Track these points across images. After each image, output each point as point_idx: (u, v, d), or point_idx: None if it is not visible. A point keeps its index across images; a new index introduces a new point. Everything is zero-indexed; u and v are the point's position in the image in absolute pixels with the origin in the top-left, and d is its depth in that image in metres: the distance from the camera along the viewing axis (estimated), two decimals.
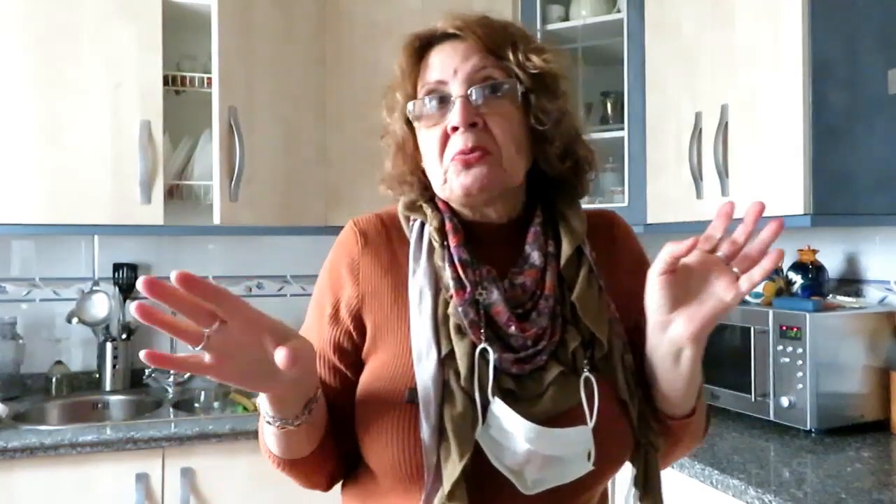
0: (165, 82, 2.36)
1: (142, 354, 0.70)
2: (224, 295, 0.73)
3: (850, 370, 1.89)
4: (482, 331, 0.87)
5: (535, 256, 0.93)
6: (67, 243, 2.62)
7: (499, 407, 0.84)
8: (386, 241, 0.99)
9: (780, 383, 1.90)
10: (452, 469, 0.82)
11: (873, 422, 1.90)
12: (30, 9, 2.21)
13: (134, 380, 2.59)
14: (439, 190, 0.94)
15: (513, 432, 0.83)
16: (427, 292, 0.91)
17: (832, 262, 2.20)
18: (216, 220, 2.22)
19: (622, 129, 2.49)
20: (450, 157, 0.90)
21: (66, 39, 2.24)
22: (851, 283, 2.18)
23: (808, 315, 1.84)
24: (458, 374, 0.86)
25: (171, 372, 2.56)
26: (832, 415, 1.86)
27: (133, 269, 2.65)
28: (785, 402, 1.88)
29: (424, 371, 0.87)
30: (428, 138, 0.93)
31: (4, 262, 2.57)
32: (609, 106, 2.70)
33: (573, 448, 0.85)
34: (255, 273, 2.82)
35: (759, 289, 2.12)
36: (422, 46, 0.95)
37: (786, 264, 2.21)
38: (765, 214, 0.86)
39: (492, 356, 0.86)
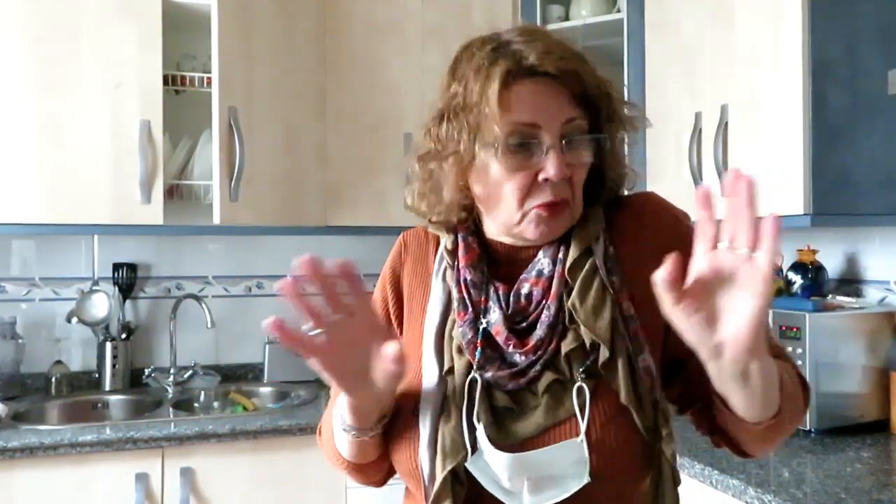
0: (165, 82, 2.36)
1: (267, 323, 0.74)
2: (361, 291, 0.80)
3: (850, 370, 1.89)
4: (477, 354, 0.89)
5: (545, 264, 0.92)
6: (67, 243, 2.62)
7: (480, 434, 0.86)
8: (424, 253, 1.02)
9: None
10: (438, 478, 0.85)
11: (873, 422, 1.90)
12: (30, 9, 2.21)
13: (133, 380, 2.59)
14: (502, 227, 0.93)
15: (494, 460, 0.85)
16: (437, 311, 0.94)
17: (832, 262, 2.20)
18: (216, 220, 2.21)
19: None
20: (533, 205, 0.88)
21: (66, 39, 2.24)
22: (851, 283, 2.18)
23: (807, 315, 1.84)
24: (455, 389, 0.89)
25: (171, 371, 2.56)
26: (832, 415, 1.86)
27: (133, 268, 2.65)
28: None
29: (427, 385, 0.91)
30: (508, 180, 0.88)
31: (4, 262, 2.57)
32: None
33: (562, 465, 0.84)
34: (255, 273, 2.82)
35: None
36: (516, 76, 0.88)
37: (785, 264, 2.21)
38: (764, 214, 0.77)
39: (479, 384, 0.88)
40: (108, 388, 2.54)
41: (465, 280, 0.93)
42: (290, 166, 2.42)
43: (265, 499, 2.12)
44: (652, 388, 0.87)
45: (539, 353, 0.88)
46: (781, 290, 2.14)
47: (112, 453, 2.01)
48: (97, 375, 2.57)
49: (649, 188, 2.39)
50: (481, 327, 0.91)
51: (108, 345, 2.54)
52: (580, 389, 0.85)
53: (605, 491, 0.85)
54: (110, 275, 2.63)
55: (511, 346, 0.89)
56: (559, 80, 0.89)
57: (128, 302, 2.65)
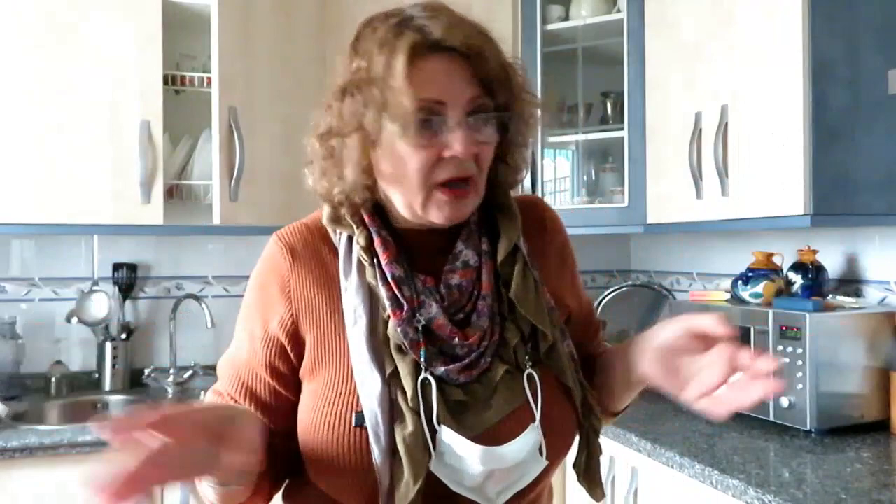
0: (165, 82, 2.35)
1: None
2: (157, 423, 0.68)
3: (850, 370, 1.89)
4: (422, 354, 0.87)
5: (470, 255, 0.92)
6: (67, 243, 2.62)
7: (447, 435, 0.84)
8: (315, 253, 0.94)
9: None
10: (406, 491, 0.82)
11: (873, 422, 1.90)
12: (30, 8, 2.21)
13: (133, 380, 2.59)
14: (407, 208, 0.89)
15: (466, 457, 0.84)
16: (362, 312, 0.89)
17: (832, 262, 2.20)
18: (216, 219, 2.22)
19: (622, 129, 2.49)
20: (437, 182, 0.86)
21: (66, 39, 2.24)
22: (851, 283, 2.18)
23: (807, 315, 1.84)
24: (405, 393, 0.85)
25: (171, 371, 2.56)
26: (832, 415, 1.86)
27: (133, 268, 2.65)
28: (785, 402, 1.87)
29: (370, 393, 0.85)
30: (413, 157, 0.85)
31: (4, 262, 2.57)
32: (609, 106, 2.70)
33: (526, 452, 0.87)
34: None
35: (759, 289, 2.12)
36: (421, 51, 0.85)
37: (786, 264, 2.21)
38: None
39: (433, 384, 0.86)
40: (108, 388, 2.54)
41: (393, 276, 0.89)
42: (290, 166, 2.39)
43: None
44: (576, 369, 0.95)
45: (483, 343, 0.89)
46: (781, 290, 2.14)
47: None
48: (97, 375, 2.57)
49: (649, 188, 2.40)
50: (420, 325, 0.88)
51: (108, 345, 2.54)
52: (530, 376, 0.90)
53: (549, 470, 0.91)
54: (110, 275, 2.63)
55: (457, 339, 0.88)
56: (464, 57, 0.86)
57: (128, 302, 2.65)
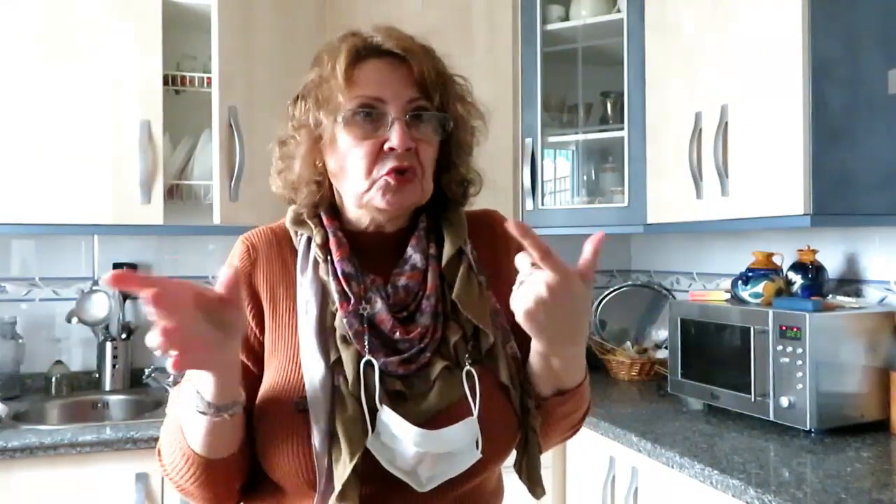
0: (165, 82, 2.35)
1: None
2: (147, 282, 0.74)
3: (850, 370, 1.89)
4: (366, 341, 0.92)
5: (417, 259, 0.99)
6: (67, 243, 2.62)
7: (387, 414, 0.89)
8: (277, 252, 1.03)
9: (780, 383, 1.90)
10: (343, 470, 0.86)
11: (873, 422, 1.90)
12: (29, 9, 2.21)
13: (134, 379, 2.59)
14: (354, 198, 0.97)
15: (402, 437, 0.87)
16: (312, 303, 0.96)
17: (832, 262, 2.20)
18: (216, 219, 2.22)
19: (622, 129, 2.49)
20: (381, 173, 0.94)
21: (65, 39, 2.24)
22: (851, 283, 2.18)
23: (807, 315, 1.84)
24: (346, 379, 0.91)
25: (171, 371, 2.56)
26: (832, 415, 1.86)
27: (133, 268, 2.65)
28: (785, 402, 1.87)
29: (313, 378, 0.91)
30: (354, 149, 0.95)
31: (4, 262, 2.57)
32: (609, 106, 2.70)
33: (462, 442, 0.90)
34: None
35: (759, 289, 2.12)
36: (363, 54, 0.98)
37: (785, 264, 2.21)
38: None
39: (377, 366, 0.91)
40: (108, 388, 2.54)
41: (343, 272, 0.96)
42: None
43: None
44: (518, 370, 0.99)
45: (425, 340, 0.95)
46: (781, 290, 2.14)
47: (112, 453, 2.01)
48: (97, 375, 2.57)
49: (649, 188, 2.40)
50: (365, 316, 0.94)
51: (108, 345, 2.54)
52: (469, 373, 0.94)
53: (485, 465, 0.94)
54: None
55: (398, 334, 0.94)
56: (402, 61, 0.97)
57: (128, 302, 2.65)
